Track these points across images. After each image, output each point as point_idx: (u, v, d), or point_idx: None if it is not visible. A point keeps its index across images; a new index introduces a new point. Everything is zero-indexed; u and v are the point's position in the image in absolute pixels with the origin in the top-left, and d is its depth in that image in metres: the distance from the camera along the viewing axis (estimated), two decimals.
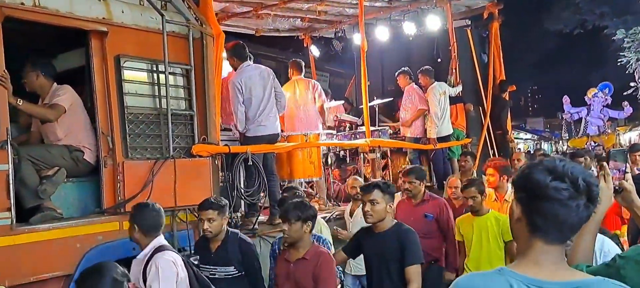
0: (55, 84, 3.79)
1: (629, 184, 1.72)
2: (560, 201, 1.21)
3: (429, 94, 6.87)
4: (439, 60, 7.71)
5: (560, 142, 24.68)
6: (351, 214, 4.92)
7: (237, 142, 4.84)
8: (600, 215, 1.60)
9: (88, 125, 3.85)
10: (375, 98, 6.99)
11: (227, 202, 3.40)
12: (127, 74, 3.88)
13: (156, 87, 4.05)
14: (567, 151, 15.28)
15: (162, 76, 4.02)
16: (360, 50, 8.30)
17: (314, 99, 5.94)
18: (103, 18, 3.71)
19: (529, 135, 31.16)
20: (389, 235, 3.10)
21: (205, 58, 4.29)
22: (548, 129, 32.14)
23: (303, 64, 6.31)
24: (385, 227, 3.12)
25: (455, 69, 7.33)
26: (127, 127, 3.83)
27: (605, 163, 1.70)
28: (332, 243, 3.95)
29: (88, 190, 3.80)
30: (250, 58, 5.00)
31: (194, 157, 4.13)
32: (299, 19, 7.61)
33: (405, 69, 7.10)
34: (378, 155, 5.96)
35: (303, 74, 6.20)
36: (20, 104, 3.46)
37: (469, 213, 4.13)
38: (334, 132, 6.47)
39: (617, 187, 1.71)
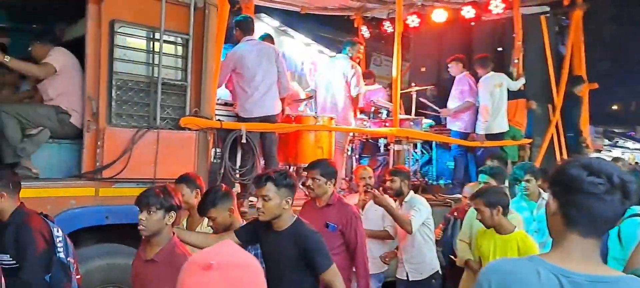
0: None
1: None
2: (597, 195, 1.19)
3: (480, 84, 5.74)
4: (501, 49, 6.41)
5: None
6: (362, 207, 4.15)
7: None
8: None
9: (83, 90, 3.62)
10: (413, 84, 5.99)
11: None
12: (120, 40, 3.57)
13: (151, 55, 3.70)
14: None
15: (157, 44, 3.67)
16: (418, 34, 7.36)
17: (348, 84, 5.14)
18: None
19: (637, 145, 26.50)
20: (286, 237, 2.44)
21: (206, 28, 3.85)
22: None
23: (350, 41, 5.47)
24: (283, 226, 2.47)
25: (518, 59, 5.99)
26: (114, 93, 3.52)
27: None
28: None
29: (71, 153, 3.57)
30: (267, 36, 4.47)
31: (182, 130, 3.72)
32: None
33: (459, 55, 6.03)
34: (405, 147, 5.05)
35: (347, 53, 5.39)
36: (8, 60, 3.33)
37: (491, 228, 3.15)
38: (367, 117, 5.65)
39: None
